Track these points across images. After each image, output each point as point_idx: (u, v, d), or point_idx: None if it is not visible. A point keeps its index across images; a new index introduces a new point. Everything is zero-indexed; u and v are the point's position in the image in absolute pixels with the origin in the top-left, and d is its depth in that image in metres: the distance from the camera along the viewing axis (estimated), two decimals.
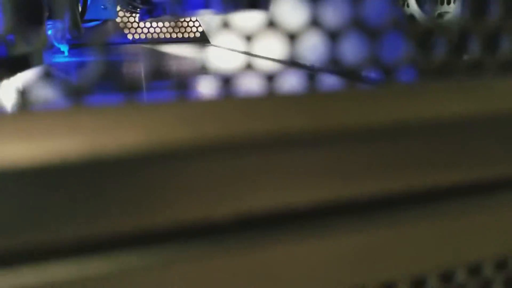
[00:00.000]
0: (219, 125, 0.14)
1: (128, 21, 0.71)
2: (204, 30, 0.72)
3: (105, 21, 0.65)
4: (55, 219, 0.13)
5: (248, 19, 0.17)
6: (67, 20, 0.52)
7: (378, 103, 0.16)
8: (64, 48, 0.56)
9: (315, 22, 0.17)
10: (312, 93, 0.16)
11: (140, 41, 0.73)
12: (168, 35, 0.75)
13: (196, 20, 0.75)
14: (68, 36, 0.54)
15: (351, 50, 0.18)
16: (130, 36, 0.73)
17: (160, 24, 0.73)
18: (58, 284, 0.13)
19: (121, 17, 0.71)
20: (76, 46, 0.58)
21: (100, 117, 0.13)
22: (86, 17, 0.60)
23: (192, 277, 0.14)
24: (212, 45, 0.67)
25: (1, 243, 0.12)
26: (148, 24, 0.73)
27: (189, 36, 0.76)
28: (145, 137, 0.13)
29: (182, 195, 0.14)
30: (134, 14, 0.70)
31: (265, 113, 0.14)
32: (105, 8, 0.66)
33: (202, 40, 0.73)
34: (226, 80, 0.15)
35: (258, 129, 0.14)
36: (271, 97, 0.15)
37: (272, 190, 0.15)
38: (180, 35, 0.75)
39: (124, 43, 0.72)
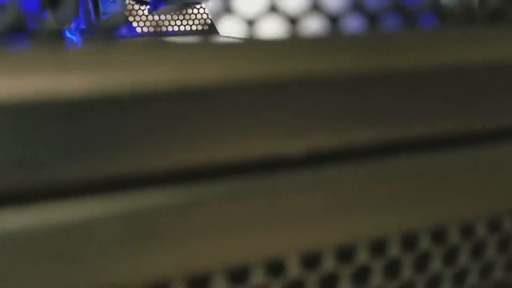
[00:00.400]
0: (287, 63, 0.14)
1: (137, 14, 0.71)
2: (212, 20, 0.73)
3: (114, 14, 0.65)
4: (130, 149, 0.13)
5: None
6: (83, 11, 0.52)
7: (435, 46, 0.17)
8: (77, 39, 0.57)
9: None
10: (368, 36, 0.16)
11: (148, 33, 0.73)
12: (176, 28, 0.75)
13: (204, 12, 0.75)
14: (82, 27, 0.54)
15: None
16: (138, 30, 0.73)
17: (168, 16, 0.73)
18: (131, 213, 0.13)
19: (130, 10, 0.71)
20: (88, 38, 0.59)
21: (182, 52, 0.13)
22: None
23: (261, 209, 0.15)
24: (221, 35, 0.67)
25: (86, 168, 0.13)
26: (156, 17, 0.73)
27: (197, 29, 0.76)
28: (221, 72, 0.13)
29: (254, 129, 0.14)
30: (142, 7, 0.71)
31: (331, 52, 0.15)
32: (114, 1, 0.66)
33: (210, 31, 0.74)
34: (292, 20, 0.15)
35: (325, 67, 0.15)
36: (335, 38, 0.15)
37: (336, 127, 0.15)
38: (188, 28, 0.76)
39: (133, 36, 0.72)
